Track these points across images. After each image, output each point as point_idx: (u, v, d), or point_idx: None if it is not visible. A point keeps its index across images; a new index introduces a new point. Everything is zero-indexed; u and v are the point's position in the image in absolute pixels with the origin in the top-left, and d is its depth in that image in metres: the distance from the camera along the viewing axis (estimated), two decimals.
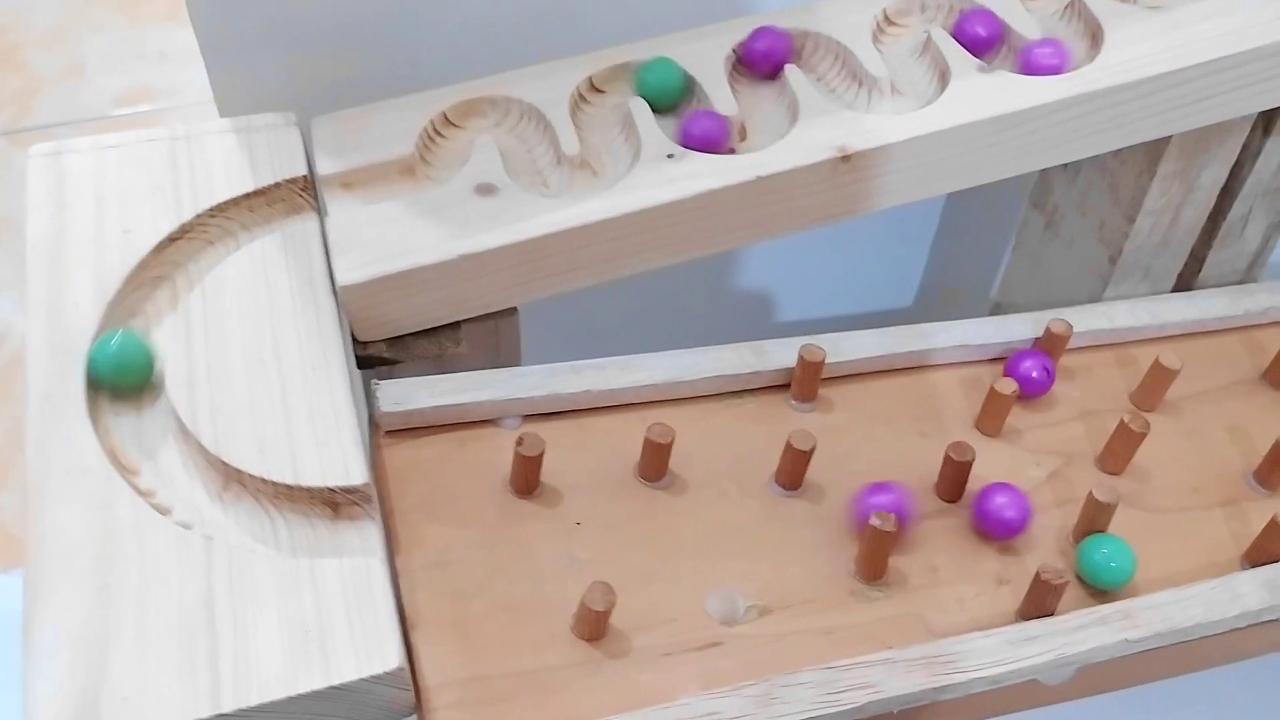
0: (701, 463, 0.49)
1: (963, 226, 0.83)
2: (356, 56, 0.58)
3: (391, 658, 0.37)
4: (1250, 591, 0.46)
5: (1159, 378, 0.53)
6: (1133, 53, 0.52)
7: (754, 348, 0.52)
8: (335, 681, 0.37)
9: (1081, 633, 0.44)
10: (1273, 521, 0.47)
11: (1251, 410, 0.55)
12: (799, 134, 0.50)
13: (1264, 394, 0.56)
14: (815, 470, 0.49)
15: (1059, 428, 0.53)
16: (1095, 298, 0.63)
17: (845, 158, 0.49)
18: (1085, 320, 0.56)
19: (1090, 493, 0.47)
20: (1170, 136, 0.56)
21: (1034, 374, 0.53)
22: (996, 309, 0.74)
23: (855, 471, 0.50)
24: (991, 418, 0.52)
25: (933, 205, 0.83)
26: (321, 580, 0.39)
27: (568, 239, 0.48)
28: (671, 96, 0.53)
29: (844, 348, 0.53)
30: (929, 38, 0.55)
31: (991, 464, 0.51)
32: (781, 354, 0.52)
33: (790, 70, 0.53)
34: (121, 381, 0.43)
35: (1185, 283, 0.67)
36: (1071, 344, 0.56)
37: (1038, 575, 0.44)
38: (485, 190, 0.50)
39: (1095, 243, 0.63)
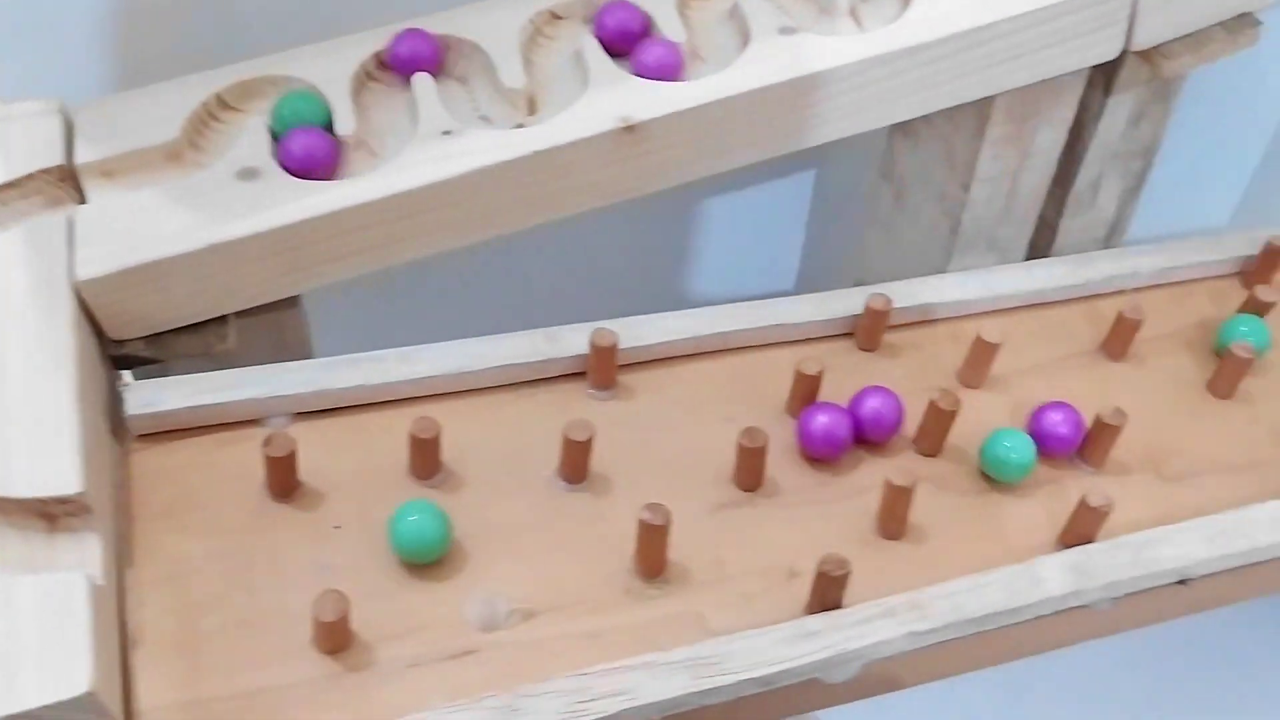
0: (483, 458, 0.46)
1: (832, 203, 0.80)
2: (140, 37, 0.55)
3: (81, 682, 0.34)
4: (1053, 576, 0.43)
5: (981, 353, 0.51)
6: (943, 7, 0.50)
7: (548, 334, 0.49)
8: (14, 710, 0.34)
9: (865, 626, 0.41)
10: (1082, 502, 0.44)
11: (1084, 384, 0.52)
12: (583, 105, 0.47)
13: (1100, 366, 0.53)
14: (605, 462, 0.46)
15: None
16: (942, 271, 0.60)
17: (629, 128, 0.47)
18: (912, 294, 0.54)
19: (886, 480, 0.44)
20: (994, 98, 0.53)
21: (1061, 429, 0.48)
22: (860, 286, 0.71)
23: (649, 462, 0.47)
24: (801, 400, 0.49)
25: (803, 182, 0.80)
26: (19, 599, 0.36)
27: (332, 223, 0.45)
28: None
29: (645, 331, 0.50)
30: (736, 2, 0.52)
31: (794, 449, 0.48)
32: (577, 340, 0.49)
33: (586, 39, 0.50)
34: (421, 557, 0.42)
35: (1039, 254, 0.64)
36: (900, 319, 0.53)
37: (818, 567, 0.41)
38: (248, 175, 0.46)
39: (938, 213, 0.60)
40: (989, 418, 0.50)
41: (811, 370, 0.48)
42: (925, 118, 0.58)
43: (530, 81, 0.50)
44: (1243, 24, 0.52)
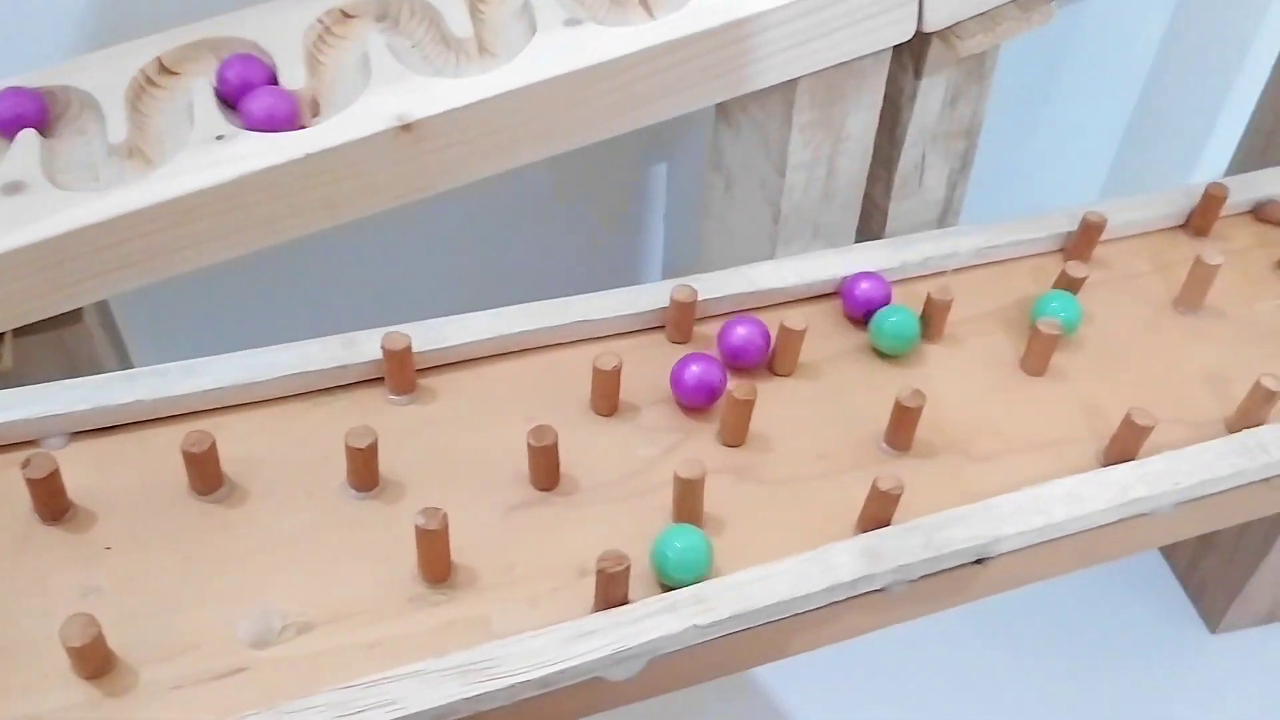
0: (272, 470, 0.45)
1: (687, 199, 0.80)
2: None
3: None
4: (845, 562, 0.43)
5: (787, 341, 0.50)
6: None
7: (344, 340, 0.48)
8: None
9: (646, 622, 0.40)
10: (873, 486, 0.44)
11: (898, 367, 0.52)
12: (362, 105, 0.47)
13: (916, 348, 0.53)
14: (399, 468, 0.45)
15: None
16: (771, 258, 0.60)
17: (406, 127, 0.46)
18: (726, 284, 0.53)
19: (675, 473, 0.43)
20: (797, 83, 0.53)
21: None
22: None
23: (446, 465, 0.46)
24: (603, 397, 0.48)
25: (657, 179, 0.80)
26: None
27: (99, 234, 0.44)
28: None
29: (446, 333, 0.49)
30: None
31: (596, 446, 0.47)
32: (373, 345, 0.48)
33: (372, 37, 0.49)
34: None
35: (872, 238, 0.64)
36: (714, 310, 0.53)
37: (597, 564, 0.40)
38: (12, 189, 0.45)
39: (760, 202, 0.60)
40: (795, 408, 0.50)
41: (607, 365, 0.47)
42: (741, 106, 0.58)
43: (315, 82, 0.49)
44: (1035, 1, 0.52)
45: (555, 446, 0.44)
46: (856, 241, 0.63)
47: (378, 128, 0.45)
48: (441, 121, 0.46)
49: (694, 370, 0.48)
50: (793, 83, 0.53)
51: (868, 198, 0.63)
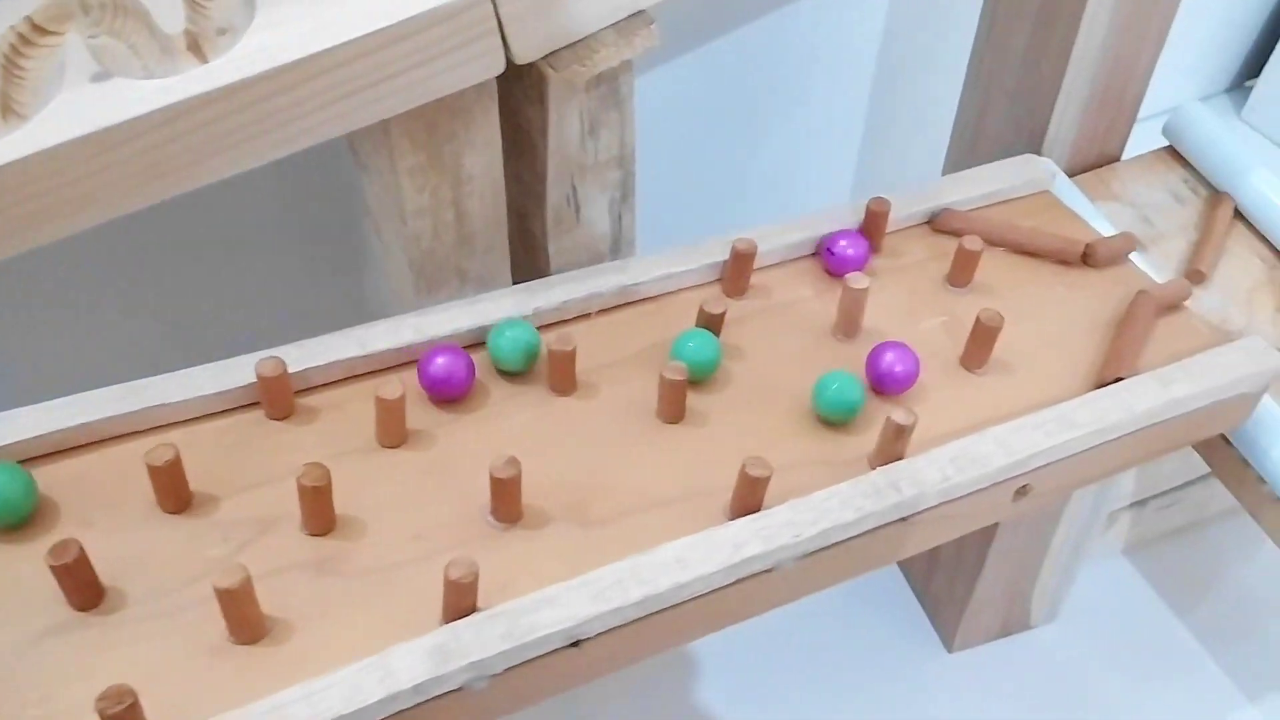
0: None
1: None
2: None
3: None
4: (409, 665, 0.38)
5: (385, 411, 0.46)
6: (275, 37, 0.44)
7: None
8: None
9: None
10: (445, 575, 0.40)
11: (519, 428, 0.48)
12: None
13: (545, 404, 0.49)
14: None
15: (270, 487, 0.45)
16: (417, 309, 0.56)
17: None
18: (330, 349, 0.49)
19: (214, 585, 0.38)
20: (390, 128, 0.48)
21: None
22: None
23: None
24: (165, 494, 0.43)
25: None
26: None
27: None
28: None
29: (22, 423, 0.44)
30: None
31: (157, 549, 0.42)
32: None
33: None
34: None
35: (540, 276, 0.60)
36: (317, 379, 0.48)
37: (96, 705, 0.35)
38: None
39: (398, 250, 0.56)
40: (395, 484, 0.45)
41: (159, 460, 0.42)
42: (364, 150, 0.54)
43: None
44: (635, 25, 0.49)
45: (82, 561, 0.39)
46: (515, 282, 0.59)
47: None
48: None
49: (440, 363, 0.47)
50: (385, 126, 0.48)
51: (530, 235, 0.59)
